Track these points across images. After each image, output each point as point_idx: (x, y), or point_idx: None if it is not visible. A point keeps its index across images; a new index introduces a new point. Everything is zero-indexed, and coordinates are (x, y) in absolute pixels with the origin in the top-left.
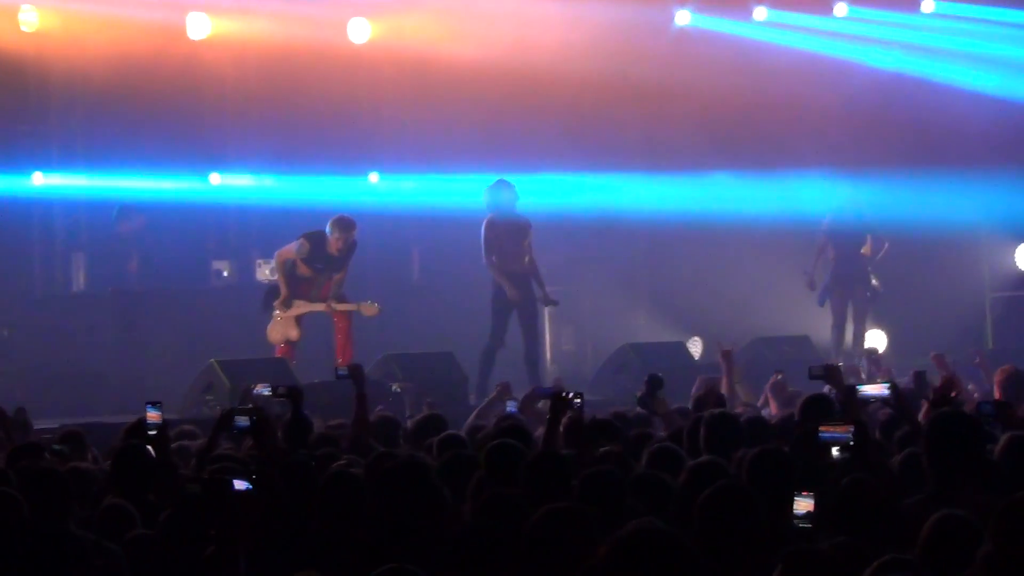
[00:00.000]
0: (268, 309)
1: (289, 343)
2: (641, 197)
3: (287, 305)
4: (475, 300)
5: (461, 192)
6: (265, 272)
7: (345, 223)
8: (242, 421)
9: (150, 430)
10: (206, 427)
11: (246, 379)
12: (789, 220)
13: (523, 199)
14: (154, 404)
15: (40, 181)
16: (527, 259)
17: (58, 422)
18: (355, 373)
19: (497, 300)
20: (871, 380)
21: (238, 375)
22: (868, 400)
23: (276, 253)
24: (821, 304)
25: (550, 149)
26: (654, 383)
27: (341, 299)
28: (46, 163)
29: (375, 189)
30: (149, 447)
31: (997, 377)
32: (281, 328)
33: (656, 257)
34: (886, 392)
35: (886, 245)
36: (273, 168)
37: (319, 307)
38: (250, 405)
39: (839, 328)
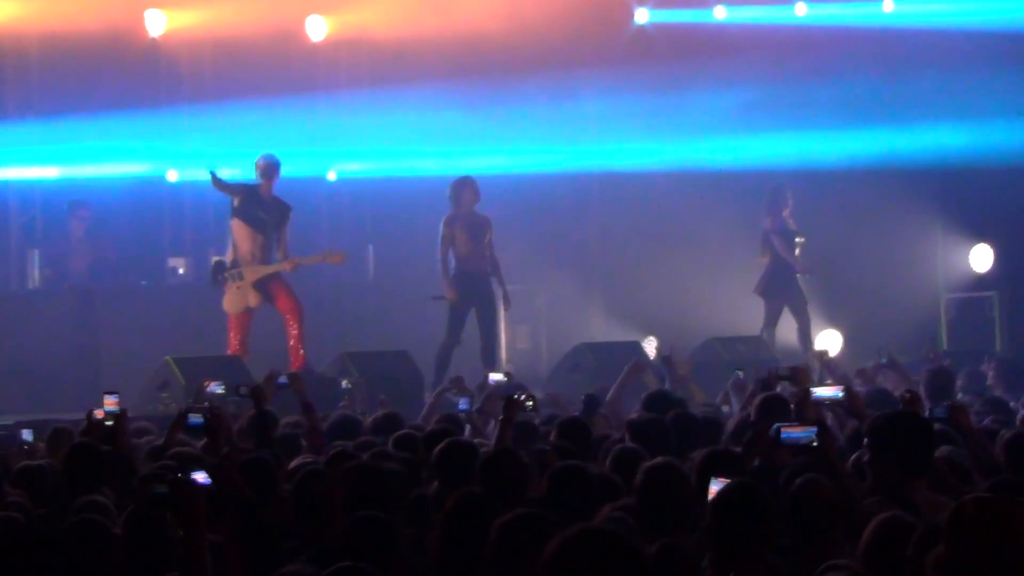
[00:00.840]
0: (219, 282)
1: (242, 316)
2: (598, 195)
3: (239, 276)
4: (424, 296)
5: (418, 188)
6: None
7: (263, 159)
8: (195, 419)
9: (107, 419)
10: (161, 424)
11: (201, 376)
12: (743, 219)
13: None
14: (112, 392)
15: None
16: (488, 257)
17: (12, 419)
18: (295, 382)
19: (459, 298)
20: (823, 383)
21: (193, 372)
22: (821, 402)
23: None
24: (764, 295)
25: (506, 146)
26: (591, 403)
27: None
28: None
29: (333, 186)
30: (106, 440)
31: (924, 376)
32: (238, 296)
33: (611, 256)
34: (839, 395)
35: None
36: (230, 164)
37: (280, 266)
38: (205, 404)
39: (770, 328)
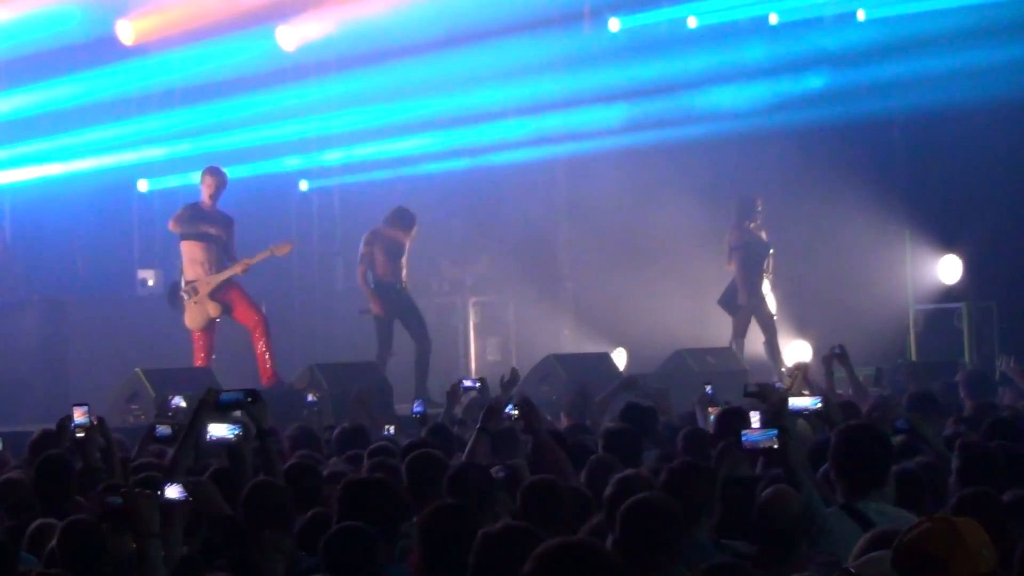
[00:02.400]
0: (177, 302)
1: (205, 330)
2: (566, 207)
3: (194, 291)
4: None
5: (386, 198)
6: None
7: (211, 171)
8: (163, 430)
9: (77, 431)
10: (131, 436)
11: (171, 388)
12: (713, 230)
13: (443, 207)
14: (80, 404)
15: None
16: (404, 274)
17: None
18: (251, 405)
19: (381, 311)
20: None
21: (163, 384)
22: (799, 413)
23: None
24: (726, 308)
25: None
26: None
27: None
28: None
29: (303, 196)
30: (74, 451)
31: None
32: (199, 311)
33: (580, 268)
34: (817, 404)
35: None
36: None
37: (231, 271)
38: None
39: (739, 339)
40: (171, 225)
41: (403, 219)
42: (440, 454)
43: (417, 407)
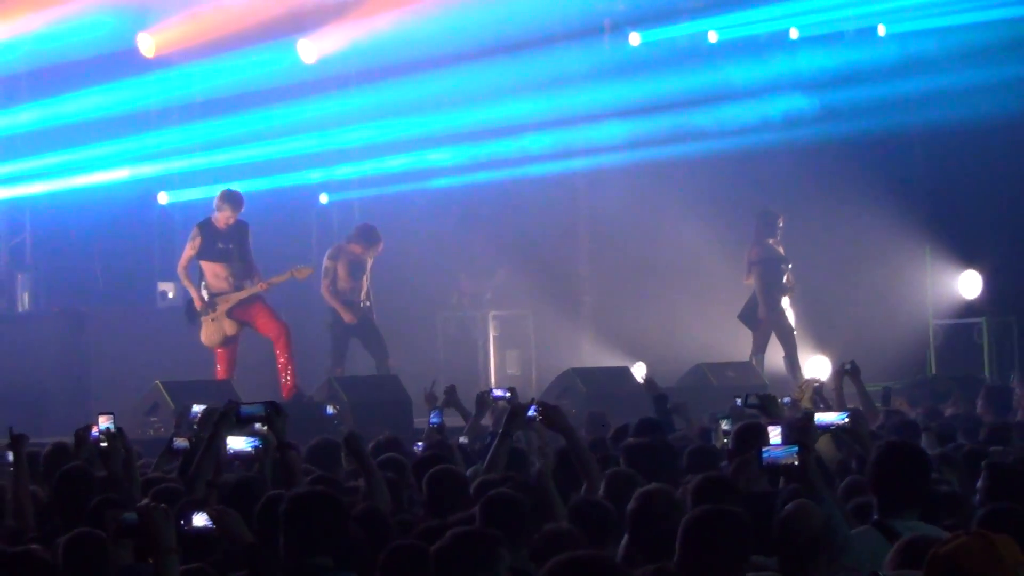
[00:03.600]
0: (194, 317)
1: (226, 344)
2: (587, 221)
3: (212, 306)
4: (422, 323)
5: (406, 208)
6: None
7: (228, 195)
8: (180, 443)
9: (101, 439)
10: (150, 448)
11: (191, 401)
12: (733, 243)
13: (462, 220)
14: (106, 413)
15: None
16: (364, 292)
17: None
18: (272, 418)
19: (336, 326)
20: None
21: (183, 397)
22: (826, 428)
23: (177, 269)
24: (746, 323)
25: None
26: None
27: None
28: None
29: (324, 209)
30: (94, 462)
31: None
32: (215, 328)
33: (600, 282)
34: (843, 419)
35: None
36: (222, 185)
37: (251, 290)
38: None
39: (759, 354)
40: (188, 250)
41: (366, 236)
42: (460, 469)
43: (434, 417)
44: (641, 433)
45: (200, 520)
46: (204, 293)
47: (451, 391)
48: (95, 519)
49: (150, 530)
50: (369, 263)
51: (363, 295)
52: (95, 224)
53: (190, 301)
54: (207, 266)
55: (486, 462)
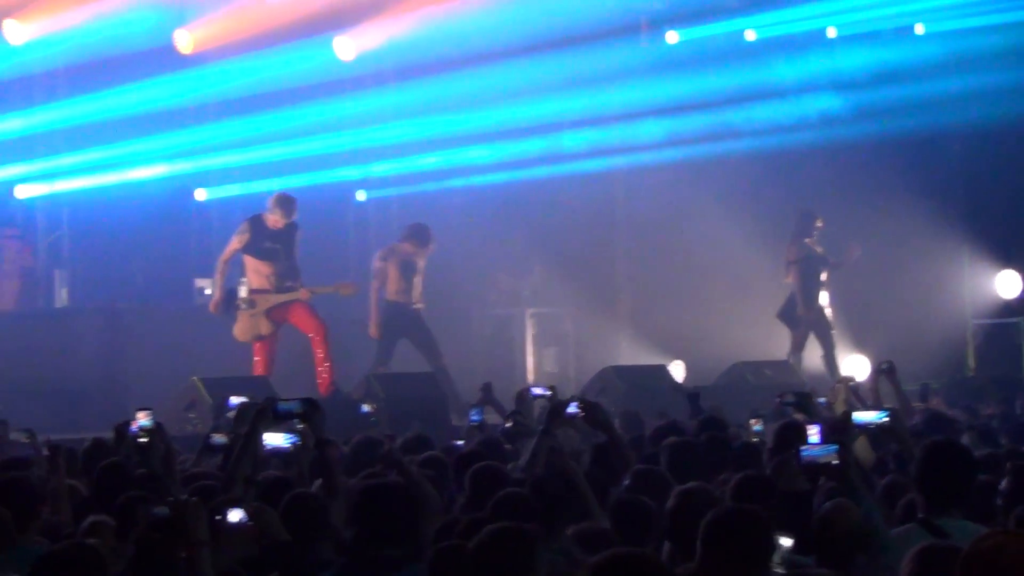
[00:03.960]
0: (232, 309)
1: (263, 340)
2: (624, 219)
3: (251, 304)
4: (458, 320)
5: (445, 205)
6: (243, 293)
7: (285, 200)
8: (218, 439)
9: (140, 435)
10: (188, 445)
11: (227, 396)
12: (772, 242)
13: (500, 218)
14: (145, 408)
15: (22, 194)
16: (416, 294)
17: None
18: (309, 415)
19: (385, 327)
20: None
21: (221, 392)
22: (864, 428)
23: (217, 259)
24: (785, 321)
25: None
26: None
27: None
28: (28, 175)
29: (361, 206)
30: (133, 457)
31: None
32: (250, 324)
33: (639, 280)
34: (883, 418)
35: (857, 250)
36: (259, 182)
37: (293, 295)
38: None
39: (796, 353)
40: (235, 243)
41: (419, 235)
42: (501, 466)
43: (475, 415)
44: (701, 431)
45: (235, 516)
46: (243, 289)
47: (487, 388)
48: (127, 514)
49: (181, 524)
50: (420, 264)
51: (415, 297)
52: (133, 220)
53: (231, 291)
54: (250, 262)
55: (526, 460)
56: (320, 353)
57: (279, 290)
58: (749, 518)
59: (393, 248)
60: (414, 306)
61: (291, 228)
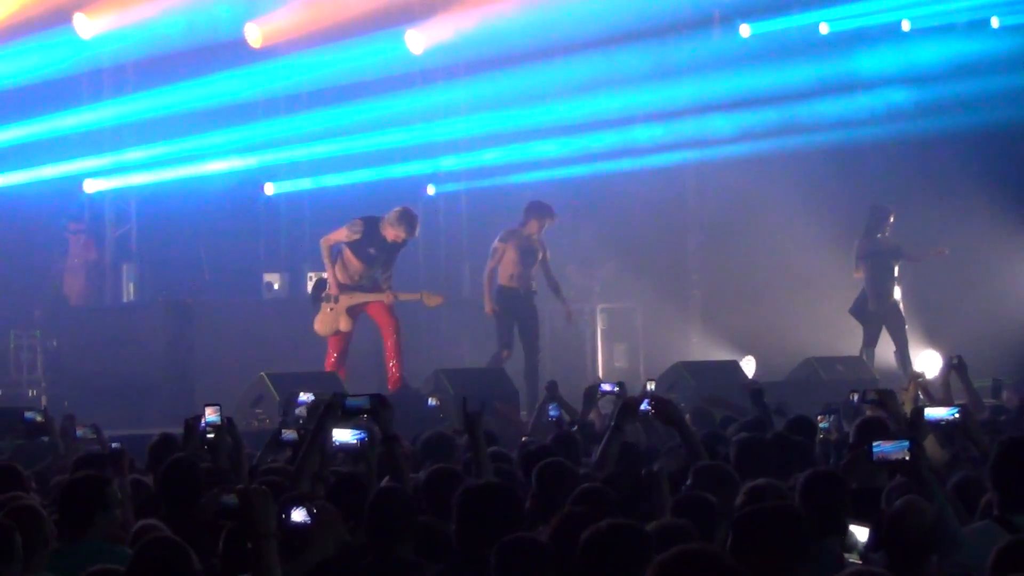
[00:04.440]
0: (317, 302)
1: (340, 334)
2: (696, 214)
3: (334, 299)
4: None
5: (513, 200)
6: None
7: (411, 218)
8: (288, 435)
9: (208, 430)
10: (255, 440)
11: (297, 392)
12: (840, 238)
13: (571, 212)
14: (212, 404)
15: (91, 188)
16: (533, 284)
17: (105, 433)
18: (377, 411)
19: (502, 312)
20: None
21: (288, 388)
22: (936, 424)
23: (322, 239)
24: (857, 316)
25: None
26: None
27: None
28: (97, 170)
29: (429, 201)
30: (200, 452)
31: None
32: (331, 319)
33: (710, 274)
34: (955, 415)
35: (945, 251)
36: (328, 176)
37: (378, 296)
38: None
39: (869, 348)
40: (344, 235)
41: (539, 210)
42: (570, 464)
43: (553, 411)
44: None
45: (299, 516)
46: (330, 281)
47: (552, 387)
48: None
49: (249, 513)
50: (541, 254)
51: (533, 284)
52: (201, 214)
53: (321, 282)
54: (349, 256)
55: (597, 457)
56: (390, 348)
57: (364, 290)
58: (777, 515)
59: (513, 231)
60: (529, 290)
61: (402, 244)
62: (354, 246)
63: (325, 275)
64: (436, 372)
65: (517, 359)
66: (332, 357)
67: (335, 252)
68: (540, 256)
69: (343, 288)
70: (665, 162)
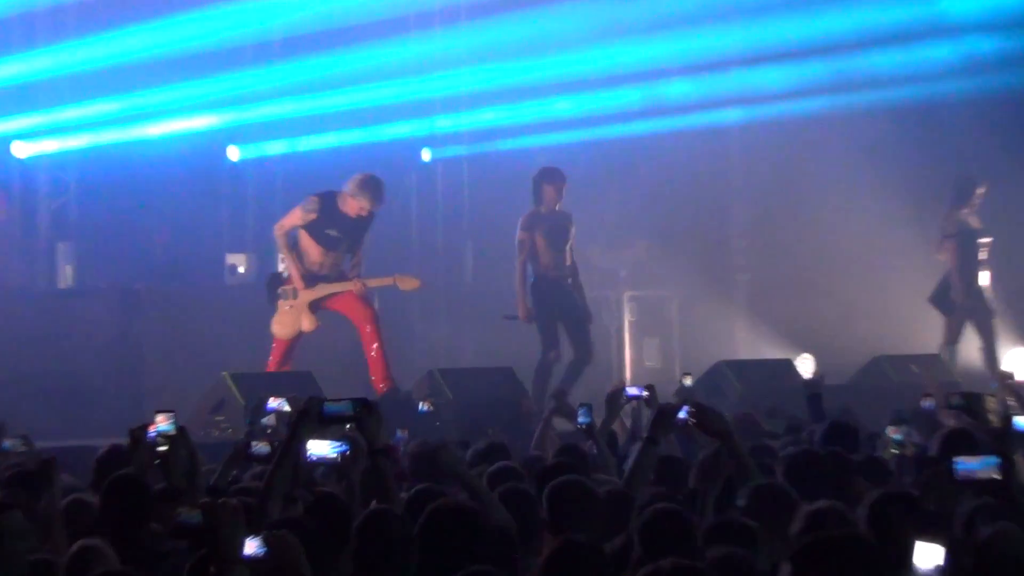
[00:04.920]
0: (273, 300)
1: (300, 336)
2: (739, 181)
3: (293, 294)
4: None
5: (524, 164)
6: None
7: (375, 185)
8: (260, 447)
9: (159, 441)
10: (216, 454)
11: (262, 394)
12: (916, 214)
13: (592, 182)
14: (165, 410)
15: (20, 152)
16: (569, 262)
17: (38, 443)
18: (362, 418)
19: (538, 309)
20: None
21: (255, 391)
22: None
23: (275, 226)
24: (938, 306)
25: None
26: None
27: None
28: (28, 130)
29: (426, 168)
30: (151, 468)
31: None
32: (291, 319)
33: (759, 255)
34: None
35: None
36: (304, 138)
37: (344, 286)
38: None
39: (951, 345)
40: (297, 218)
41: (551, 175)
42: (587, 481)
43: (582, 417)
44: (830, 441)
45: (251, 547)
46: (285, 271)
47: (559, 395)
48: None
49: (215, 534)
50: (573, 230)
51: (569, 270)
52: (152, 184)
53: (276, 275)
54: (307, 242)
55: (627, 474)
56: (373, 345)
57: (329, 280)
58: (844, 545)
59: (535, 214)
60: (567, 278)
61: (368, 220)
62: (311, 229)
63: (281, 267)
64: (431, 372)
65: (522, 355)
66: (273, 360)
67: (292, 239)
68: (571, 230)
69: (304, 281)
70: (704, 122)
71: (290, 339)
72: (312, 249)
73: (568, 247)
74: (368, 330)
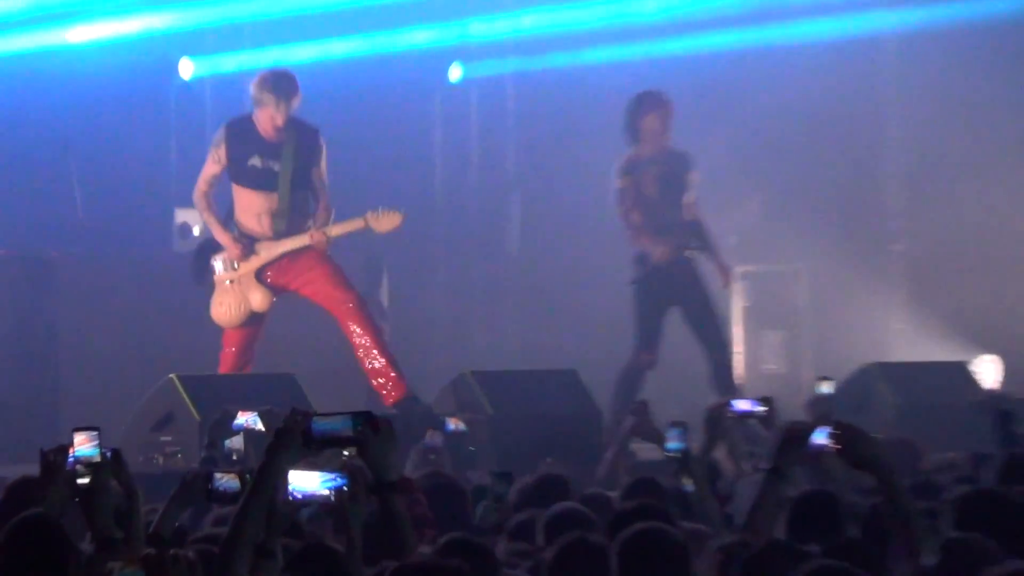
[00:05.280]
0: (203, 275)
1: (254, 319)
2: (893, 111)
3: (232, 264)
4: (608, 284)
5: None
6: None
7: (279, 81)
8: (226, 482)
9: (79, 471)
10: (160, 488)
11: (228, 407)
12: None
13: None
14: (87, 428)
15: None
16: (691, 215)
17: None
18: (366, 439)
19: (641, 290)
20: None
21: (213, 400)
22: None
23: (194, 188)
24: None
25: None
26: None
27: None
28: None
29: (454, 91)
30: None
31: None
32: (234, 298)
33: (921, 219)
34: None
35: None
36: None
37: (298, 240)
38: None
39: None
40: (210, 164)
41: (652, 101)
42: (671, 529)
43: (673, 441)
44: (1010, 477)
45: None
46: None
47: (640, 411)
48: None
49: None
50: (692, 177)
51: (690, 231)
52: (74, 111)
53: (203, 245)
54: (239, 194)
55: (747, 519)
56: (365, 340)
57: (278, 236)
58: None
59: (636, 156)
60: (685, 253)
61: (303, 136)
62: (233, 171)
63: (207, 241)
64: (462, 374)
65: (587, 350)
66: (225, 360)
67: (222, 202)
68: (690, 175)
69: (240, 244)
70: (839, 31)
71: (241, 326)
72: (243, 198)
73: (688, 195)
74: (350, 319)
